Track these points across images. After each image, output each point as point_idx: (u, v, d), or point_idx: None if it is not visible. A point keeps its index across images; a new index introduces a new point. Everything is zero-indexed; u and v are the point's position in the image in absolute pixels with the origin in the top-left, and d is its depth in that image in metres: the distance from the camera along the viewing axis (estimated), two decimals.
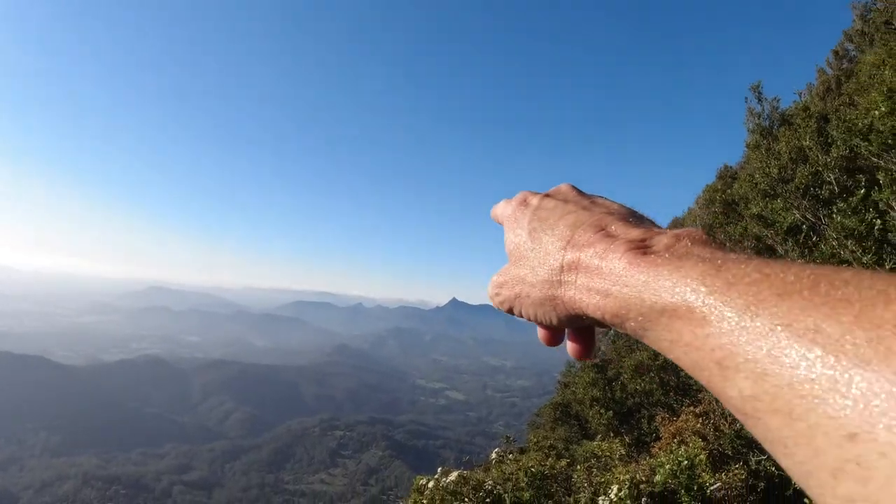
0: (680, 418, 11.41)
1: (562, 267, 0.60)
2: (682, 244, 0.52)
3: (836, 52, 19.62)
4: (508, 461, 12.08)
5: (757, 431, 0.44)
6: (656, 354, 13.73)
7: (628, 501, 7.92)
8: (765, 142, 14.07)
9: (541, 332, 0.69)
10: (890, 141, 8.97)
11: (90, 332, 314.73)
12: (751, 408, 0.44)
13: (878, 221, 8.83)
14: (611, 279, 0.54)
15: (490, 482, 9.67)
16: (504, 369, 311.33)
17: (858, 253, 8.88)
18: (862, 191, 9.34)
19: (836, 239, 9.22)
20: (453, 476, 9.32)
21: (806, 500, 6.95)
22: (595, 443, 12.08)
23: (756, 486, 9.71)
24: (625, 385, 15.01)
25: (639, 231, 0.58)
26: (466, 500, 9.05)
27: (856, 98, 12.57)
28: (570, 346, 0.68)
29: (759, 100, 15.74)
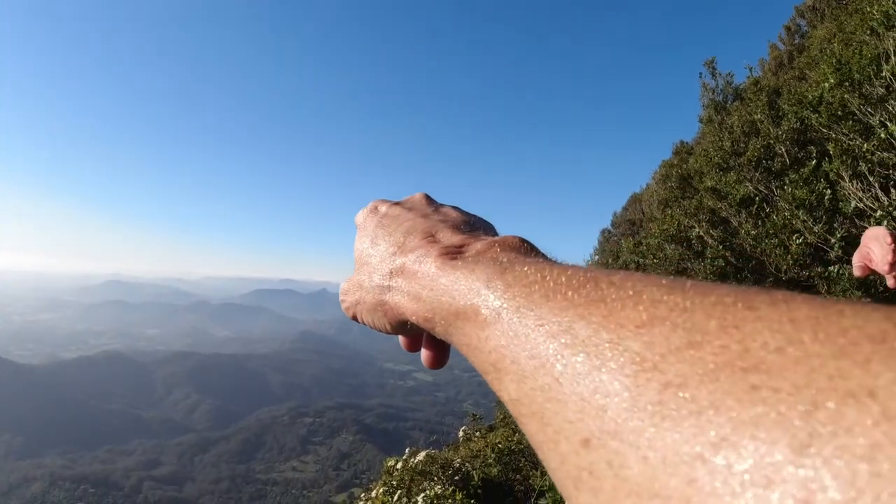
0: None
1: (391, 272, 0.61)
2: (492, 250, 0.53)
3: (787, 28, 19.94)
4: (476, 439, 12.21)
5: (527, 437, 0.43)
6: None
7: None
8: (718, 116, 14.32)
9: (401, 340, 0.70)
10: (839, 112, 9.18)
11: (46, 330, 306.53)
12: (516, 411, 0.43)
13: (829, 192, 9.07)
14: (422, 283, 0.55)
15: (458, 460, 9.77)
16: None
17: (810, 222, 9.12)
18: (813, 162, 9.58)
19: (788, 209, 9.45)
20: (421, 456, 9.39)
21: None
22: None
23: None
24: None
25: (460, 237, 0.59)
26: (436, 478, 9.14)
27: (807, 72, 12.85)
28: (423, 354, 0.68)
29: (714, 75, 15.99)
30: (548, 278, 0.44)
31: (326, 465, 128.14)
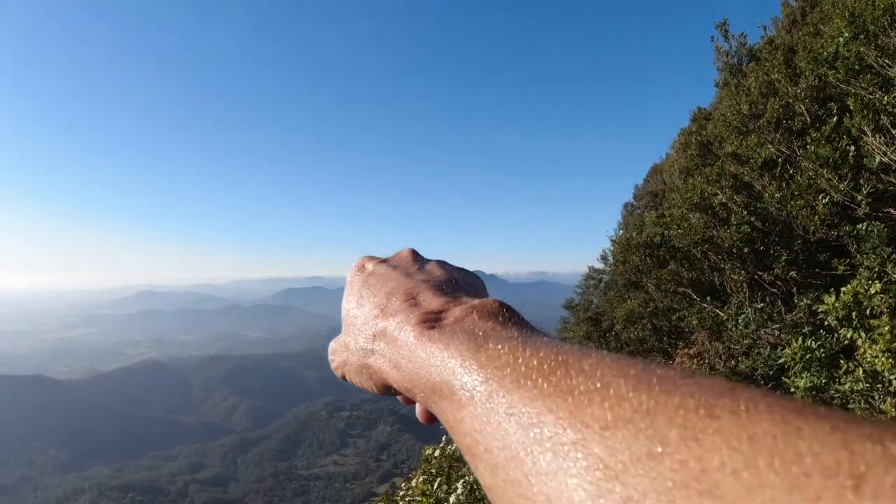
0: (675, 361, 11.56)
1: (373, 336, 0.61)
2: (469, 319, 0.53)
3: None
4: None
5: None
6: (646, 302, 13.86)
7: None
8: (734, 79, 14.07)
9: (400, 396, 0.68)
10: (857, 66, 8.99)
11: (84, 345, 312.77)
12: (491, 498, 0.43)
13: (852, 148, 8.89)
14: (401, 352, 0.55)
15: None
16: None
17: (835, 181, 8.97)
18: (834, 119, 9.40)
19: (812, 169, 9.29)
20: None
21: None
22: None
23: None
24: (619, 335, 15.18)
25: (440, 301, 0.59)
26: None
27: (821, 27, 12.56)
28: (417, 409, 0.66)
29: (726, 38, 15.69)
30: (520, 360, 0.44)
31: (367, 456, 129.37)
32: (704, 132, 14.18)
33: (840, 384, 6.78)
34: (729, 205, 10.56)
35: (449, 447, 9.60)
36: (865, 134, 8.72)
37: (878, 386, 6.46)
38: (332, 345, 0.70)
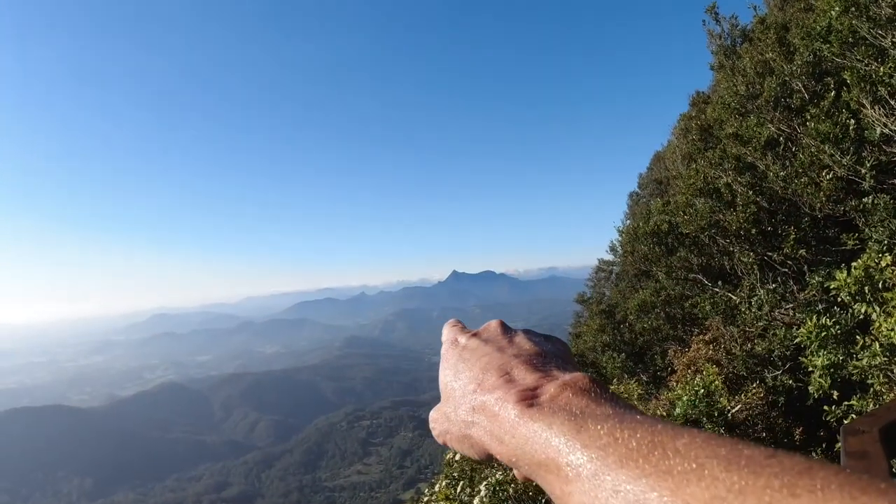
0: (691, 349, 11.51)
1: (473, 409, 0.65)
2: (564, 395, 0.57)
3: None
4: None
5: None
6: (658, 290, 13.80)
7: None
8: (729, 61, 14.02)
9: None
10: (850, 39, 8.93)
11: (101, 372, 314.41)
12: None
13: (852, 121, 8.84)
14: (504, 427, 0.60)
15: None
16: None
17: (837, 156, 8.91)
18: (832, 93, 9.34)
19: (814, 145, 9.24)
20: None
21: (825, 408, 7.06)
22: (611, 387, 12.18)
23: (776, 401, 9.82)
24: (632, 326, 15.11)
25: (534, 378, 0.63)
26: (496, 465, 9.16)
27: (811, 2, 12.50)
28: (516, 472, 0.68)
29: (717, 21, 15.65)
30: (619, 441, 0.51)
31: (390, 464, 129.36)
32: (704, 116, 14.12)
33: (858, 360, 6.72)
34: (734, 186, 10.51)
35: None
36: (864, 106, 8.66)
37: None
38: (433, 413, 0.74)
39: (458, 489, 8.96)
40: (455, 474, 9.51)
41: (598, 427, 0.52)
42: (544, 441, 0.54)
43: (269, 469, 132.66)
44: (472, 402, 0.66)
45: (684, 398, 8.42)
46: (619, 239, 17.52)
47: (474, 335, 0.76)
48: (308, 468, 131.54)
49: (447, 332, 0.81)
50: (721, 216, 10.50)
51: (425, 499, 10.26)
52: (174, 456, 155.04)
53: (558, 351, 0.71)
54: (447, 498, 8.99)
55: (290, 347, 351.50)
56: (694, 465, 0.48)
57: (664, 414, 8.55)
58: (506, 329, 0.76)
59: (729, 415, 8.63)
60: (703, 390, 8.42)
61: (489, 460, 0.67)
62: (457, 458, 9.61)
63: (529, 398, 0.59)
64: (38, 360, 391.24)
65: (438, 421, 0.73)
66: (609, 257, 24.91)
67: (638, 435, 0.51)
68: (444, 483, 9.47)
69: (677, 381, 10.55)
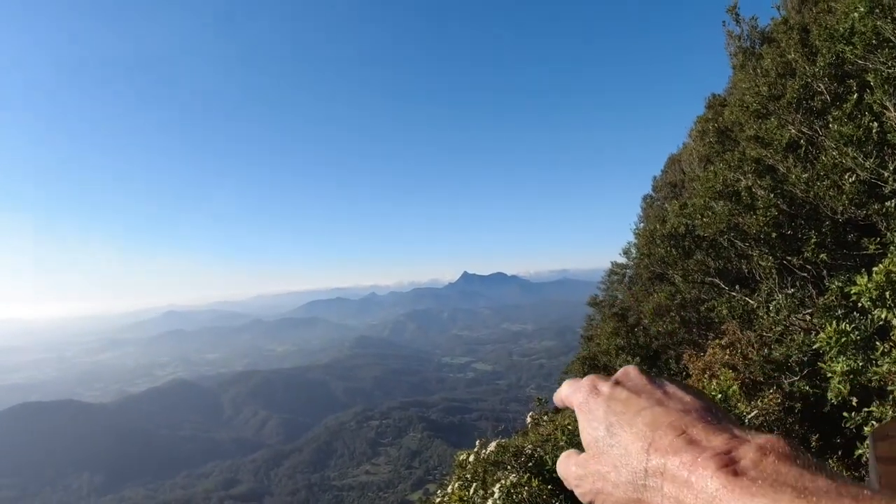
0: (707, 353, 11.39)
1: (646, 471, 0.61)
2: (768, 461, 0.56)
3: None
4: (544, 423, 12.13)
5: None
6: (673, 294, 13.69)
7: None
8: (749, 62, 13.89)
9: None
10: (874, 41, 8.81)
11: (111, 368, 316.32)
12: None
13: (875, 124, 8.71)
14: (703, 498, 0.58)
15: (530, 446, 9.70)
16: (525, 333, 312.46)
17: (860, 158, 8.78)
18: (854, 96, 9.21)
19: (836, 148, 9.11)
20: (492, 447, 9.35)
21: (844, 414, 6.95)
22: None
23: (792, 407, 9.69)
24: (647, 329, 14.99)
25: (721, 439, 0.60)
26: (509, 467, 9.08)
27: (832, 3, 12.36)
28: None
29: (738, 21, 15.52)
30: None
31: (398, 464, 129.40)
32: (721, 118, 14.00)
33: (877, 366, 6.61)
34: (754, 189, 10.39)
35: (483, 451, 9.54)
36: (888, 109, 8.54)
37: None
38: (578, 470, 0.70)
39: (472, 491, 8.92)
40: (468, 476, 9.46)
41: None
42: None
43: (278, 467, 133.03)
44: (645, 463, 0.61)
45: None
46: (635, 241, 17.40)
47: (617, 384, 0.71)
48: (317, 467, 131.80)
49: (583, 383, 0.75)
50: (740, 219, 10.38)
51: (437, 500, 10.23)
52: (184, 453, 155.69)
53: (714, 404, 0.66)
54: (461, 500, 8.94)
55: (299, 346, 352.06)
56: None
57: None
58: (650, 377, 0.72)
59: (745, 420, 8.52)
60: (719, 395, 8.33)
61: None
62: (469, 459, 9.57)
63: (728, 464, 0.57)
64: (47, 356, 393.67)
65: (587, 479, 0.68)
66: (622, 260, 24.80)
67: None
68: (456, 485, 9.42)
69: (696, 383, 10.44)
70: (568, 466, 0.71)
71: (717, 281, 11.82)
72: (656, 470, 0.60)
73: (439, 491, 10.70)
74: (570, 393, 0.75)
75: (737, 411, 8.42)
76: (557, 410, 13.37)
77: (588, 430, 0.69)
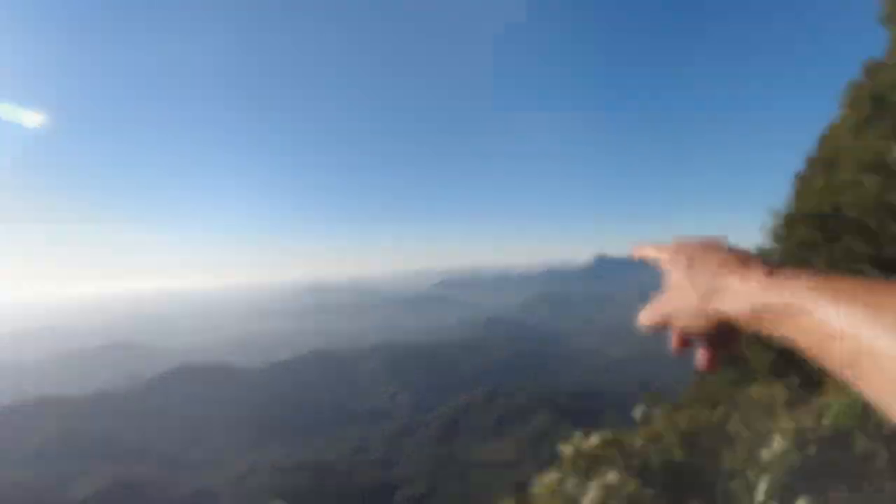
0: None
1: (715, 286, 0.85)
2: (796, 272, 0.84)
3: None
4: (657, 419, 11.23)
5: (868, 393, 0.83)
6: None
7: (794, 450, 6.96)
8: None
9: (675, 340, 0.88)
10: None
11: (259, 337, 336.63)
12: (860, 368, 0.83)
13: None
14: (753, 290, 0.84)
15: (639, 442, 8.96)
16: None
17: None
18: None
19: None
20: (595, 440, 8.69)
21: None
22: (753, 388, 10.98)
23: None
24: None
25: (767, 268, 0.85)
26: (614, 463, 8.41)
27: None
28: (699, 355, 0.88)
29: None
30: (857, 287, 0.83)
31: (524, 445, 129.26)
32: (876, 83, 12.23)
33: None
34: None
35: (584, 444, 8.90)
36: None
37: None
38: (658, 303, 0.88)
39: (568, 484, 8.35)
40: (568, 468, 8.90)
41: (839, 281, 0.83)
42: (790, 293, 0.83)
43: (407, 438, 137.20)
44: (714, 282, 0.86)
45: (835, 407, 7.25)
46: (771, 222, 15.82)
47: (699, 244, 0.90)
48: (443, 441, 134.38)
49: (666, 248, 0.91)
50: (893, 195, 8.98)
51: (535, 489, 9.72)
52: (322, 418, 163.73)
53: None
54: (555, 492, 8.41)
55: (433, 323, 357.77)
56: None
57: (810, 424, 7.42)
58: (724, 241, 0.90)
59: (885, 428, 7.35)
60: (859, 399, 7.20)
61: (714, 328, 0.87)
62: (567, 452, 8.98)
63: (770, 273, 0.84)
64: (203, 325, 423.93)
65: (667, 302, 0.87)
66: (766, 244, 22.82)
67: (857, 288, 0.84)
68: (555, 476, 8.88)
69: (831, 387, 9.23)
70: (648, 307, 0.88)
71: (867, 268, 10.37)
72: (721, 285, 0.84)
73: (539, 479, 10.20)
74: (655, 251, 0.93)
75: (877, 419, 7.27)
76: (676, 407, 12.38)
77: (675, 276, 0.88)
